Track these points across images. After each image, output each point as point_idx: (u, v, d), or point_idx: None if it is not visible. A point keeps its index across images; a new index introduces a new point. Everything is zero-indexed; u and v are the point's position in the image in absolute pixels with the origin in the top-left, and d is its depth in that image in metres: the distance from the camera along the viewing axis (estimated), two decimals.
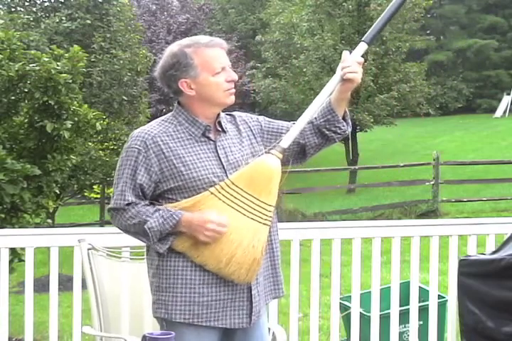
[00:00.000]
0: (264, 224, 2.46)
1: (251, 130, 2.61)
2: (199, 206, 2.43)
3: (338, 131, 2.60)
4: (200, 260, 2.44)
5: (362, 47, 2.58)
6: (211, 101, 2.50)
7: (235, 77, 2.53)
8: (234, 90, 2.53)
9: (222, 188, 2.43)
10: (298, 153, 2.64)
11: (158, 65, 2.53)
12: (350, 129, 2.64)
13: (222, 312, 2.48)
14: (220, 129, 2.54)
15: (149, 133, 2.47)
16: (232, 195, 2.43)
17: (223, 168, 2.48)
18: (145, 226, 2.42)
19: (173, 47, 2.51)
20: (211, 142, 2.51)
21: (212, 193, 2.43)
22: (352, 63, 2.50)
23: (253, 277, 2.46)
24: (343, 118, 2.60)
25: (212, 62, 2.47)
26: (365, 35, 2.62)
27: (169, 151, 2.45)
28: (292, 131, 2.53)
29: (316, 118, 2.59)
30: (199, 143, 2.49)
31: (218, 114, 2.55)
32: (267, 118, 2.68)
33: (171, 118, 2.53)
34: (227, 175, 2.47)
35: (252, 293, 2.51)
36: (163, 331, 2.54)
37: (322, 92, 2.55)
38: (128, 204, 2.45)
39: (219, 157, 2.49)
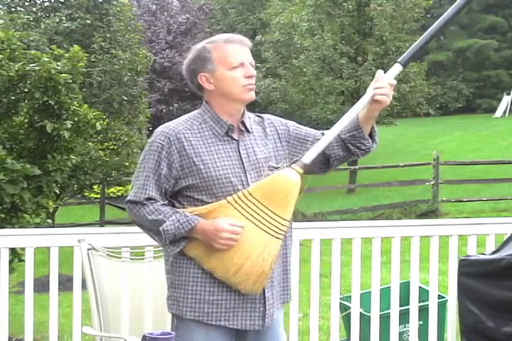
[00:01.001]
0: (276, 237, 2.45)
1: (278, 133, 2.62)
2: (215, 214, 2.43)
3: (363, 148, 2.60)
4: (208, 267, 2.46)
5: (396, 68, 2.57)
6: (229, 96, 2.51)
7: (254, 72, 2.53)
8: (253, 86, 2.53)
9: (240, 198, 2.44)
10: (322, 163, 2.64)
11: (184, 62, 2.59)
12: (375, 146, 2.63)
13: (232, 312, 2.49)
14: (243, 129, 2.54)
15: (174, 130, 2.49)
16: (248, 206, 2.43)
17: (243, 167, 2.49)
18: (160, 228, 2.44)
19: (198, 45, 2.56)
20: (234, 141, 2.52)
21: (229, 202, 2.43)
22: (385, 85, 2.50)
23: (260, 288, 2.47)
24: (370, 134, 2.60)
25: (229, 57, 2.49)
26: (402, 56, 2.60)
27: (191, 149, 2.47)
28: (316, 147, 2.53)
29: (342, 131, 2.58)
30: (222, 142, 2.50)
31: (243, 114, 2.56)
32: (296, 124, 2.68)
33: (197, 115, 2.56)
34: (246, 175, 2.48)
35: (266, 295, 2.51)
36: (163, 331, 2.54)
37: (351, 110, 2.55)
38: (148, 199, 2.47)
39: (240, 157, 2.50)
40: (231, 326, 2.50)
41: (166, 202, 2.50)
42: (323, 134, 2.61)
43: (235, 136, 2.53)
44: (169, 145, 2.47)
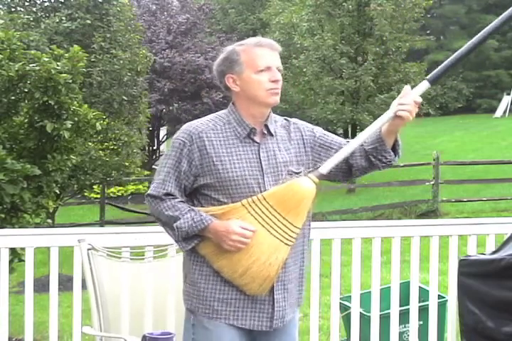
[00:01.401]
0: (285, 244, 2.50)
1: (302, 139, 2.65)
2: (229, 215, 2.49)
3: (384, 160, 2.62)
4: (217, 266, 2.51)
5: (424, 85, 2.58)
6: (254, 99, 2.55)
7: (279, 77, 2.56)
8: (278, 90, 2.56)
9: (254, 202, 2.49)
10: (345, 172, 2.68)
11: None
12: (397, 159, 2.65)
13: (242, 312, 2.53)
14: (266, 132, 2.58)
15: (197, 128, 2.55)
16: (261, 210, 2.49)
17: (262, 170, 2.53)
18: (174, 225, 2.49)
19: (229, 46, 2.62)
20: (255, 144, 2.56)
21: (243, 205, 2.49)
22: (409, 102, 2.51)
23: (264, 291, 2.51)
24: (394, 147, 2.62)
25: (257, 60, 2.54)
26: (431, 73, 2.61)
27: (211, 148, 2.52)
28: (334, 158, 2.57)
29: (366, 143, 2.61)
30: (243, 144, 2.55)
31: (268, 117, 2.60)
32: (323, 131, 2.71)
33: (223, 115, 2.61)
34: (264, 178, 2.52)
35: (275, 297, 2.55)
36: (163, 331, 2.56)
37: (374, 122, 2.57)
38: (166, 195, 2.53)
39: (260, 159, 2.54)
40: (239, 325, 2.54)
41: (185, 198, 2.56)
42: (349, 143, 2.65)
43: (257, 138, 2.57)
44: (191, 143, 2.52)
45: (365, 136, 2.58)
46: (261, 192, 2.50)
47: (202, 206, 2.55)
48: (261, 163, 2.54)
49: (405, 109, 2.50)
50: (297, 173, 2.57)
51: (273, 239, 2.48)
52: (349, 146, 2.58)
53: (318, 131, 2.70)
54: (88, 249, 3.13)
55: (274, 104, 2.57)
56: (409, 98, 2.52)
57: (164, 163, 2.57)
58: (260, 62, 2.53)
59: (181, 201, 2.54)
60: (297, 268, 2.61)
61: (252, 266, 2.46)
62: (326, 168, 2.55)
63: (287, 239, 2.50)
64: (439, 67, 2.61)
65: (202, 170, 2.52)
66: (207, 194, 2.54)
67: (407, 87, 2.56)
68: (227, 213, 2.49)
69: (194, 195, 2.58)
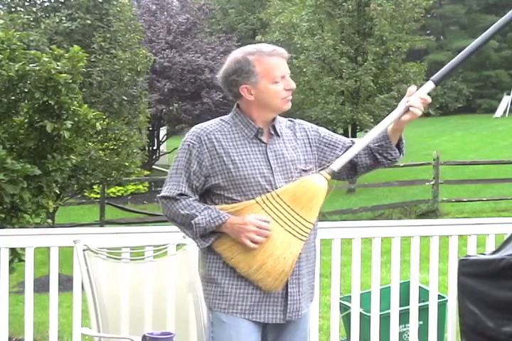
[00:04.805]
0: (299, 239, 2.57)
1: (308, 138, 2.72)
2: (243, 213, 2.56)
3: (389, 158, 2.72)
4: (233, 262, 2.57)
5: (428, 86, 2.65)
6: (268, 107, 2.61)
7: (293, 85, 2.63)
8: (291, 97, 2.64)
9: (267, 199, 2.56)
10: (349, 170, 2.76)
11: (221, 70, 2.65)
12: (401, 157, 2.75)
13: (257, 306, 2.59)
14: (272, 132, 2.64)
15: (205, 130, 2.61)
16: (275, 207, 2.56)
17: (271, 169, 2.59)
18: (192, 221, 2.56)
19: (237, 54, 2.63)
20: (262, 144, 2.63)
21: (257, 202, 2.56)
22: (418, 99, 2.60)
23: (279, 287, 2.58)
24: (398, 145, 2.72)
25: (273, 71, 2.59)
26: (435, 74, 2.67)
27: (221, 149, 2.58)
28: (345, 156, 2.65)
29: (371, 141, 2.69)
30: (251, 144, 2.61)
31: (274, 118, 2.66)
32: (327, 131, 2.79)
33: (229, 118, 2.66)
34: (273, 176, 2.58)
35: (289, 290, 2.61)
36: (163, 331, 2.56)
37: (382, 122, 2.66)
38: (180, 195, 2.59)
39: (268, 159, 2.60)
40: (255, 319, 2.60)
41: (198, 198, 2.62)
42: (352, 142, 2.73)
43: (264, 139, 2.63)
44: (200, 144, 2.59)
45: (374, 135, 2.66)
46: (272, 190, 2.57)
47: (216, 205, 2.61)
48: (269, 162, 2.60)
49: (416, 106, 2.58)
50: (306, 171, 2.64)
51: (287, 234, 2.55)
52: (359, 144, 2.66)
53: (323, 130, 2.77)
54: (84, 250, 3.12)
55: (287, 109, 2.64)
56: (417, 96, 2.61)
57: (176, 165, 2.63)
58: (276, 73, 2.59)
59: (196, 200, 2.60)
60: (311, 263, 2.69)
61: (267, 260, 2.53)
62: (337, 164, 2.63)
63: (301, 234, 2.57)
64: (444, 68, 2.66)
65: (213, 171, 2.58)
66: (220, 193, 2.60)
67: (413, 86, 2.64)
68: (241, 210, 2.56)
69: (207, 195, 2.64)
